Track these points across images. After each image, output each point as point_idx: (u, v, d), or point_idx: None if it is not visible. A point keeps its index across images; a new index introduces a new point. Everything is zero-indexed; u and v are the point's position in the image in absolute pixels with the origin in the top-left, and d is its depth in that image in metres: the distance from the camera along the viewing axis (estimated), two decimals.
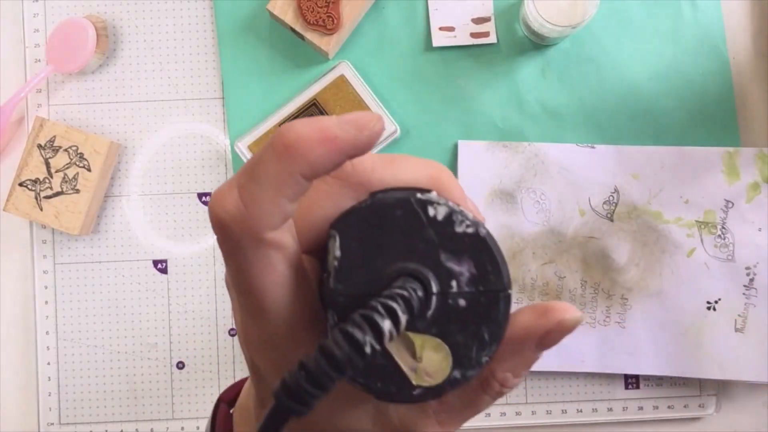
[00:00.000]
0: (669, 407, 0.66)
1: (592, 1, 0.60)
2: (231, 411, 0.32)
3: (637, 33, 0.66)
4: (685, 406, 0.66)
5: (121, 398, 0.66)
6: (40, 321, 0.66)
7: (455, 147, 0.65)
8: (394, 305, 0.20)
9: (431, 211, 0.22)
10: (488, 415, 0.66)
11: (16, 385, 0.67)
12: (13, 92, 0.66)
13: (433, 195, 0.22)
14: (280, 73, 0.66)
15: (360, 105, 0.64)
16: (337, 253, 0.22)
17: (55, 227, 0.64)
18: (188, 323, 0.66)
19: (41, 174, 0.64)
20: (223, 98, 0.67)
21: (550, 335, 0.24)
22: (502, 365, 0.24)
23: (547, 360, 0.64)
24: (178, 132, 0.67)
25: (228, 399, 0.33)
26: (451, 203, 0.22)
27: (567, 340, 0.61)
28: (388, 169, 0.24)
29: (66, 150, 0.64)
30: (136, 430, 0.66)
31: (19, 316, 0.67)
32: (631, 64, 0.66)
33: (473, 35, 0.65)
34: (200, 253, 0.67)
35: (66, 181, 0.64)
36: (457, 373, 0.22)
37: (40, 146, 0.64)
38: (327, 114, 0.65)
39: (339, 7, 0.63)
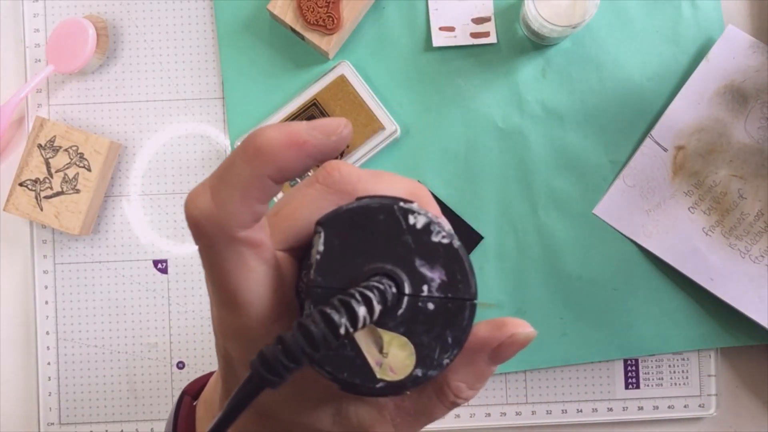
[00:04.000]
0: (669, 407, 0.66)
1: (592, 1, 0.60)
2: (194, 404, 0.32)
3: (637, 33, 0.66)
4: (685, 406, 0.66)
5: (121, 398, 0.66)
6: (40, 321, 0.66)
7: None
8: (371, 295, 0.22)
9: (411, 220, 0.24)
10: (488, 415, 0.66)
11: (16, 385, 0.67)
12: (13, 92, 0.66)
13: (415, 205, 0.24)
14: (280, 73, 0.66)
15: (360, 105, 0.64)
16: (321, 248, 0.23)
17: (55, 227, 0.64)
18: (188, 323, 0.66)
19: (41, 174, 0.64)
20: (223, 98, 0.67)
21: (503, 348, 0.25)
22: (456, 375, 0.26)
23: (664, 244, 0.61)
24: (178, 132, 0.67)
25: (192, 392, 0.33)
26: (430, 214, 0.24)
27: (712, 254, 0.61)
28: (373, 181, 0.25)
29: (66, 150, 0.64)
30: (136, 430, 0.66)
31: (19, 316, 0.67)
32: (631, 64, 0.66)
33: (473, 35, 0.65)
34: None
35: (66, 181, 0.64)
36: (419, 372, 0.23)
37: (40, 146, 0.64)
38: (327, 115, 0.65)
39: (339, 7, 0.63)
